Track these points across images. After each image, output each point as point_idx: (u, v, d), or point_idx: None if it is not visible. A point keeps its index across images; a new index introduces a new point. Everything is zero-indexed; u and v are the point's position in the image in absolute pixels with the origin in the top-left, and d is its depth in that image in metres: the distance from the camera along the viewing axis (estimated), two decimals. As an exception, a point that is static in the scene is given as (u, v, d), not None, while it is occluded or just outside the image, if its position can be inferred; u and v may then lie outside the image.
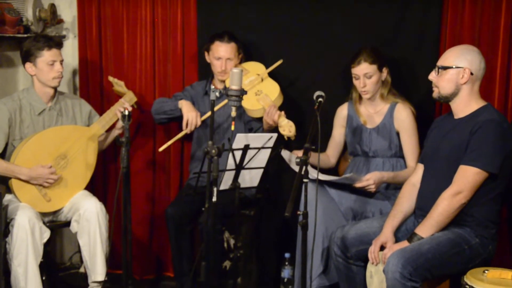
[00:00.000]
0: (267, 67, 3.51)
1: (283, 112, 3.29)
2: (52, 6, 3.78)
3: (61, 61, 3.36)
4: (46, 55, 3.30)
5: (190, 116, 3.38)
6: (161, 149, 3.51)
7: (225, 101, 3.35)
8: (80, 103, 3.57)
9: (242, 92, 2.80)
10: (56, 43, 3.36)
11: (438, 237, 2.66)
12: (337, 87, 3.52)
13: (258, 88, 3.42)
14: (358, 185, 3.11)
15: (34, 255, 3.16)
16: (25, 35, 3.64)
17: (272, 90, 3.41)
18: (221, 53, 3.46)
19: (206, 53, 3.55)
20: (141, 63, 3.80)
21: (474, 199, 2.67)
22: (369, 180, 3.09)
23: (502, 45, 3.30)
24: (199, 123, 3.39)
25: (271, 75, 3.51)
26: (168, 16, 3.74)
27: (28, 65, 3.33)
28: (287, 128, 3.23)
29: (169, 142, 3.48)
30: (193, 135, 3.65)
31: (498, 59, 3.31)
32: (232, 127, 2.82)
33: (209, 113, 3.39)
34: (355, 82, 3.25)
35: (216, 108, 3.39)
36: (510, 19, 3.28)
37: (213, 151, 2.67)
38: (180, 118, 3.46)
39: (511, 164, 2.73)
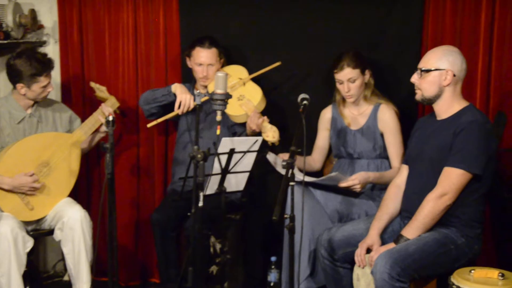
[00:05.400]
0: (249, 71, 3.51)
1: (266, 117, 3.29)
2: (33, 12, 3.74)
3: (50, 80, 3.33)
4: (43, 80, 3.27)
5: (184, 98, 3.35)
6: (149, 125, 3.46)
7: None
8: (60, 108, 3.53)
9: (227, 96, 2.79)
10: (52, 66, 3.33)
11: (425, 237, 2.68)
12: (320, 90, 3.53)
13: (240, 93, 3.41)
14: (343, 184, 3.12)
15: (17, 265, 3.12)
16: (5, 41, 3.59)
17: (254, 95, 3.40)
18: (202, 59, 3.44)
19: (187, 59, 3.54)
20: (124, 68, 3.77)
21: (459, 200, 2.69)
22: (354, 180, 3.10)
23: (483, 45, 3.34)
24: (191, 106, 3.35)
25: (253, 79, 3.50)
26: (150, 20, 3.72)
27: (19, 85, 3.27)
28: (271, 133, 3.23)
29: (159, 120, 3.44)
30: (177, 138, 3.63)
31: (479, 60, 3.35)
32: (218, 131, 2.80)
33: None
34: (339, 86, 3.26)
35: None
36: (490, 19, 3.33)
37: (199, 155, 2.66)
38: (171, 105, 3.42)
39: (494, 164, 2.75)
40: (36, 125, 3.40)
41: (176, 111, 3.38)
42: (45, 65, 3.28)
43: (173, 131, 3.75)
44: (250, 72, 3.50)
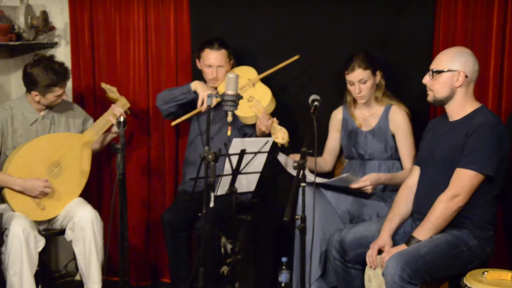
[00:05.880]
0: (258, 73, 3.50)
1: (275, 119, 3.29)
2: (44, 13, 3.75)
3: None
4: (58, 90, 3.29)
5: (206, 95, 3.34)
6: (173, 123, 3.48)
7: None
8: (74, 110, 3.55)
9: (238, 97, 2.79)
10: (68, 76, 3.34)
11: (437, 239, 2.66)
12: (331, 91, 3.52)
13: (250, 94, 3.41)
14: (354, 186, 3.11)
15: (29, 264, 3.13)
16: (17, 43, 3.61)
17: (264, 96, 3.40)
18: (212, 60, 3.44)
19: (197, 60, 3.54)
20: (134, 69, 3.79)
21: (471, 201, 2.68)
22: (366, 181, 3.09)
23: (495, 46, 3.32)
24: (214, 102, 3.33)
25: (263, 79, 3.50)
26: (161, 21, 3.73)
27: (34, 93, 3.29)
28: (280, 135, 3.22)
29: (183, 118, 3.45)
30: (188, 139, 3.64)
31: (491, 61, 3.33)
32: (229, 132, 2.81)
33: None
34: (350, 88, 3.25)
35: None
36: (502, 20, 3.30)
37: (210, 156, 2.66)
38: (188, 104, 3.42)
39: (506, 165, 2.74)
40: (49, 126, 3.42)
41: (199, 108, 3.38)
42: (61, 76, 3.28)
43: (184, 132, 3.76)
44: (259, 73, 3.50)
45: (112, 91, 3.65)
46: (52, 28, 3.88)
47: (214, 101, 3.26)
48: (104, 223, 3.37)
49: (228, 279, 3.36)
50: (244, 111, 3.36)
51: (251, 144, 2.89)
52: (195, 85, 3.40)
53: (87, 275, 3.31)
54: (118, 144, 2.99)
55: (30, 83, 3.28)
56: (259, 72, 3.50)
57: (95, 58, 3.84)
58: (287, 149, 3.30)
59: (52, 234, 3.44)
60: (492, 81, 3.33)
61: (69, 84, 3.86)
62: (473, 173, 2.64)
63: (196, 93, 3.39)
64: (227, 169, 2.88)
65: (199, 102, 3.37)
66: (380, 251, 2.80)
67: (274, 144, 3.13)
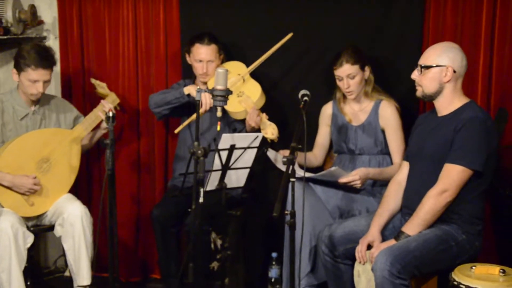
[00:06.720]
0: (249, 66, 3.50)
1: (264, 114, 3.29)
2: (32, 7, 3.73)
3: (46, 81, 3.27)
4: (30, 72, 3.22)
5: (203, 97, 3.30)
6: (176, 130, 3.49)
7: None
8: (65, 106, 3.53)
9: (228, 92, 2.79)
10: (47, 63, 3.26)
11: (426, 234, 2.67)
12: (321, 86, 3.52)
13: (240, 89, 3.41)
14: (343, 180, 3.11)
15: (17, 261, 3.11)
16: (5, 37, 3.58)
17: (253, 91, 3.39)
18: (202, 55, 3.43)
19: (187, 55, 3.53)
20: (124, 64, 3.77)
21: (460, 196, 2.69)
22: (355, 175, 3.10)
23: (484, 41, 3.33)
24: (208, 99, 3.30)
25: (253, 74, 3.49)
26: (150, 16, 3.71)
27: (14, 70, 3.29)
28: (270, 130, 3.23)
29: (185, 123, 3.46)
30: (179, 135, 3.63)
31: (480, 56, 3.34)
32: (218, 128, 2.81)
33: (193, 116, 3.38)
34: (339, 83, 3.26)
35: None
36: (491, 15, 3.31)
37: (199, 151, 2.66)
38: (183, 107, 3.42)
39: (495, 161, 2.75)
40: (39, 122, 3.40)
41: (201, 110, 3.34)
42: (39, 56, 3.21)
43: (174, 127, 3.74)
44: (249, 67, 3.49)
45: (101, 86, 3.63)
46: (41, 22, 3.85)
47: (208, 97, 3.24)
48: (94, 219, 3.36)
49: (218, 275, 3.36)
50: (234, 106, 3.35)
51: (241, 139, 2.88)
52: (188, 90, 3.39)
53: (76, 271, 3.29)
54: (108, 139, 2.98)
55: (15, 58, 3.27)
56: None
57: (84, 53, 3.81)
58: (276, 145, 3.30)
59: (41, 230, 3.42)
60: (481, 77, 3.35)
61: (58, 79, 3.86)
62: (461, 169, 2.65)
63: (189, 97, 3.38)
64: (217, 164, 2.87)
65: (201, 105, 3.34)
66: (369, 246, 2.81)
67: (264, 139, 3.13)
